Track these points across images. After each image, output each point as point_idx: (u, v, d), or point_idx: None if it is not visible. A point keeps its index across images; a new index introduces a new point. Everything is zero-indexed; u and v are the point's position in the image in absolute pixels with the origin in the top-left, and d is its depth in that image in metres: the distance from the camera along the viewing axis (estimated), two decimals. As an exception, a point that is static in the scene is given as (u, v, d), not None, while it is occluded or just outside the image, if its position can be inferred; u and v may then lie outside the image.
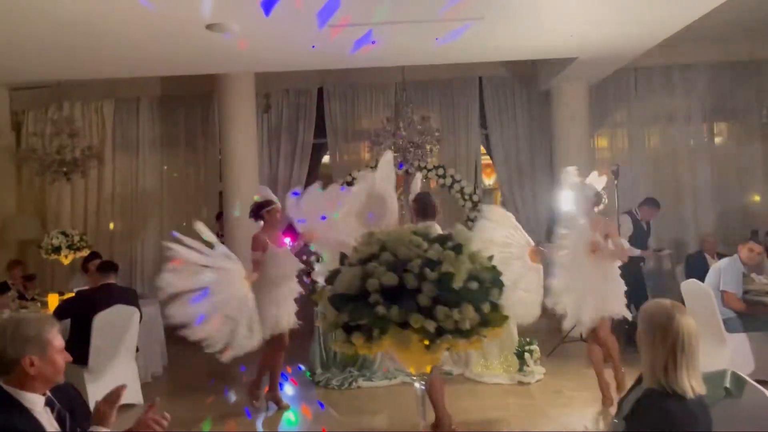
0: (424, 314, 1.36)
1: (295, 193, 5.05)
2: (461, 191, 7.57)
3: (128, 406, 5.30)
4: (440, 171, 7.67)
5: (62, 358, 2.23)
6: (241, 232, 7.50)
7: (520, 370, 5.91)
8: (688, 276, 6.54)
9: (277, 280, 5.02)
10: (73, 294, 5.77)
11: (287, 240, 5.36)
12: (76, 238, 7.60)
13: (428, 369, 1.57)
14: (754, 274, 5.72)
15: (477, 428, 4.66)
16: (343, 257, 1.59)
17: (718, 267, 5.54)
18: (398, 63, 6.99)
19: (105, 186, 8.86)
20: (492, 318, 1.49)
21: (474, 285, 1.43)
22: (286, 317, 5.06)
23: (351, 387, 5.79)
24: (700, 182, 8.12)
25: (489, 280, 1.46)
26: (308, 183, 8.82)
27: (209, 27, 5.14)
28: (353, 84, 8.61)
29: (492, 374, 5.91)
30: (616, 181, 6.28)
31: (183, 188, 9.00)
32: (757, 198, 8.29)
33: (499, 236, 4.97)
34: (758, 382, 5.22)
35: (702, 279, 5.76)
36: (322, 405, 5.30)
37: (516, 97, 8.42)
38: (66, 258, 7.64)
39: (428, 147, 6.73)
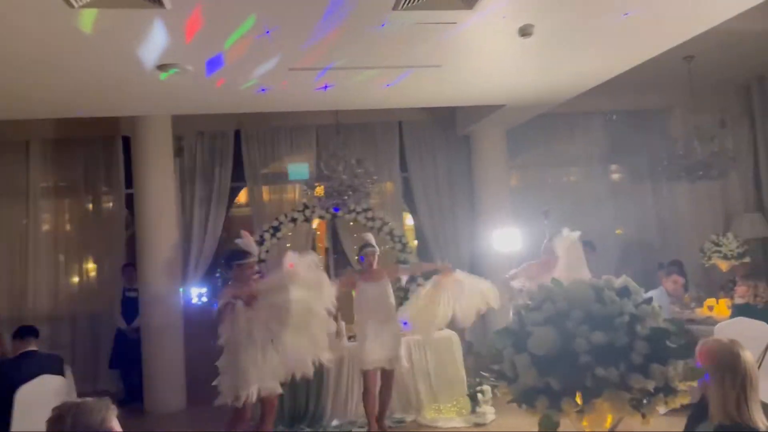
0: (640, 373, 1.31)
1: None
2: (391, 233, 7.56)
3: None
4: (369, 213, 7.63)
5: None
6: (158, 283, 7.01)
7: (473, 411, 5.93)
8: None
9: (245, 341, 4.48)
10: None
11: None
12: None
13: (608, 424, 1.51)
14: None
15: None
16: (518, 316, 1.50)
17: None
18: (332, 107, 6.94)
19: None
20: (691, 373, 1.47)
21: (678, 340, 1.41)
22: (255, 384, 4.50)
23: (304, 447, 5.48)
24: (602, 220, 8.75)
25: (675, 333, 1.44)
26: (225, 228, 8.51)
27: (160, 67, 4.79)
28: (273, 127, 8.41)
29: (446, 418, 5.87)
30: (546, 222, 6.59)
31: (82, 238, 8.21)
32: (618, 231, 9.03)
33: None
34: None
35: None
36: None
37: (435, 141, 8.66)
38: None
39: (366, 190, 6.68)
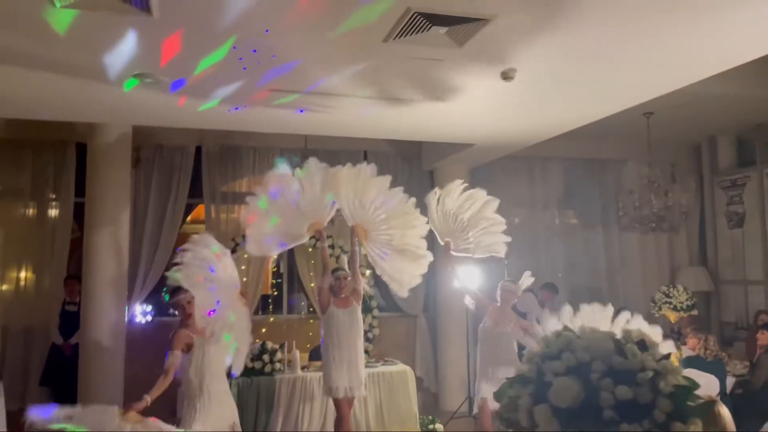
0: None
1: None
2: (338, 258, 7.49)
3: None
4: (329, 241, 7.54)
5: None
6: (102, 298, 6.69)
7: (424, 449, 5.85)
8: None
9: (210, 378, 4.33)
10: None
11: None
12: None
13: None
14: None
15: None
16: (534, 364, 1.46)
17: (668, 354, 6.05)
18: (301, 131, 6.88)
19: None
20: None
21: (697, 398, 1.40)
22: None
23: (252, 479, 5.26)
24: (554, 262, 8.92)
25: (694, 391, 1.43)
26: (178, 244, 8.22)
27: (137, 75, 4.62)
28: (235, 146, 8.26)
29: (397, 455, 5.77)
30: (506, 262, 6.67)
31: (22, 245, 7.77)
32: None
33: None
34: None
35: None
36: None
37: (398, 173, 8.67)
38: None
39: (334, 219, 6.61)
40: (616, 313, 5.41)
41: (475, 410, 5.56)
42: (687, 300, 7.02)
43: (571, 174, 9.20)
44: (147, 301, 7.94)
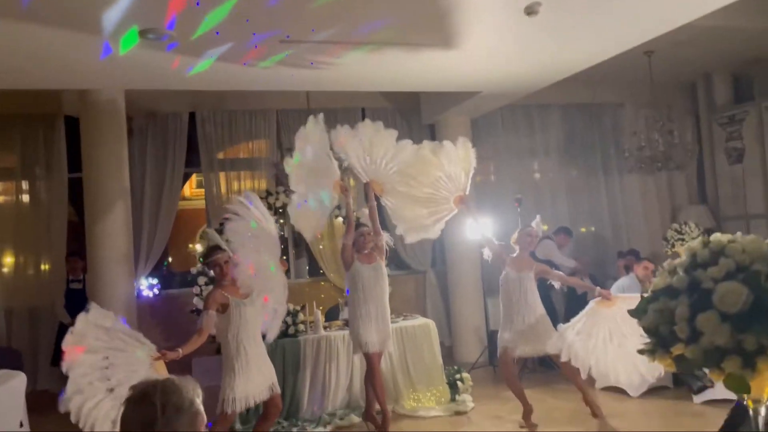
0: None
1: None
2: (357, 220, 7.39)
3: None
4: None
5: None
6: (109, 274, 6.51)
7: (453, 400, 5.86)
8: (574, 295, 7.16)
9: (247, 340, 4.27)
10: None
11: None
12: None
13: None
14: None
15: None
16: (687, 274, 1.39)
17: (621, 286, 6.09)
18: (305, 88, 6.68)
19: None
20: None
21: None
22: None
23: (285, 439, 5.23)
24: (560, 212, 8.92)
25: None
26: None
27: (142, 32, 4.39)
28: (230, 110, 8.03)
29: (426, 407, 5.77)
30: (519, 209, 6.63)
31: (20, 223, 7.53)
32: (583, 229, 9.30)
33: None
34: (659, 389, 5.79)
35: (584, 299, 6.38)
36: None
37: (398, 128, 8.47)
38: None
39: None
40: (628, 254, 5.42)
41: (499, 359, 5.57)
42: (699, 236, 7.07)
43: (569, 121, 9.16)
44: (152, 274, 7.79)
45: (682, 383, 5.69)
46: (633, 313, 1.51)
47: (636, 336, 4.53)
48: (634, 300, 4.71)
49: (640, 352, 1.55)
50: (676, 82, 9.06)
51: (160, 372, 3.79)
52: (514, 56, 5.77)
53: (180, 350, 3.97)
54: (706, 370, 1.39)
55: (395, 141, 5.41)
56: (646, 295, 1.53)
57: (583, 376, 4.93)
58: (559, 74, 6.51)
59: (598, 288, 5.23)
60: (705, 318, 1.31)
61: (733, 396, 4.79)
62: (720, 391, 5.26)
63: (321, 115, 5.22)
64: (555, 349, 5.08)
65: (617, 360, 4.61)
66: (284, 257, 6.29)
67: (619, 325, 4.68)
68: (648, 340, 1.51)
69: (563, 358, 4.94)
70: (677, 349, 1.38)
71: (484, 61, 5.85)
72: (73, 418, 3.61)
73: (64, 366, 3.65)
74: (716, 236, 1.45)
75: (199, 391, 1.67)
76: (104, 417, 3.60)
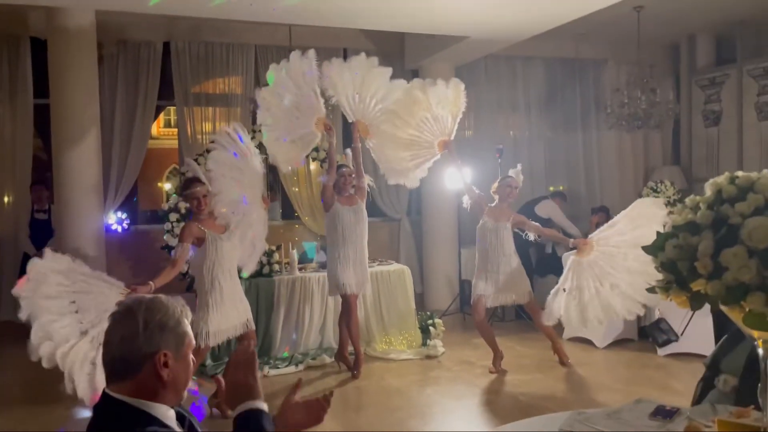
0: None
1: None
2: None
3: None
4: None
5: (192, 359, 1.59)
6: (77, 206, 6.30)
7: (424, 344, 5.92)
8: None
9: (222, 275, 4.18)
10: None
11: None
12: None
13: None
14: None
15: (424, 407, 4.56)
16: (712, 210, 1.35)
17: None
18: (286, 21, 6.43)
19: None
20: None
21: None
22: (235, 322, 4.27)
23: (257, 376, 5.21)
24: (536, 167, 8.93)
25: None
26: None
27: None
28: (207, 42, 7.71)
29: (397, 350, 5.82)
30: (500, 160, 6.60)
31: (-20, 151, 7.20)
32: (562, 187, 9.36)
33: None
34: (625, 341, 5.92)
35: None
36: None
37: (380, 72, 8.32)
38: None
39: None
40: (598, 210, 5.43)
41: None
42: (674, 194, 7.18)
43: (552, 74, 9.08)
44: (121, 209, 7.58)
45: (646, 336, 5.85)
46: (649, 249, 1.47)
47: (623, 272, 4.61)
48: (608, 237, 4.76)
49: (650, 290, 1.52)
50: (660, 41, 9.02)
51: None
52: (504, 1, 5.62)
53: (152, 283, 3.86)
54: (724, 307, 1.37)
55: (388, 80, 5.26)
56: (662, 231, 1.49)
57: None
58: (548, 23, 6.39)
59: (571, 240, 5.24)
60: (732, 253, 1.28)
61: (695, 350, 4.89)
62: (683, 345, 5.44)
63: (312, 51, 5.00)
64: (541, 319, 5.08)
65: (612, 300, 4.67)
66: (268, 192, 6.18)
67: (603, 267, 4.73)
68: (660, 277, 1.48)
69: (548, 322, 4.98)
70: (697, 285, 1.35)
71: (473, 4, 5.69)
72: (45, 364, 3.52)
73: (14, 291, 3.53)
74: (742, 173, 1.41)
75: (189, 314, 1.60)
76: (83, 359, 3.51)
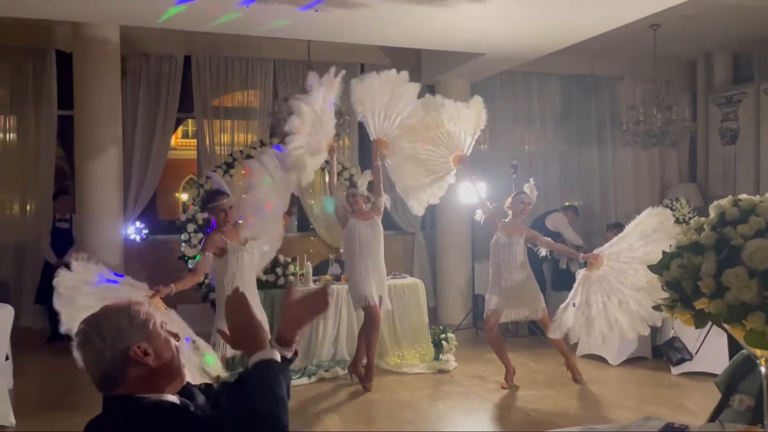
0: None
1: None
2: (350, 179, 7.35)
3: (-1, 430, 4.21)
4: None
5: (175, 341, 1.62)
6: (97, 216, 6.42)
7: (436, 358, 5.94)
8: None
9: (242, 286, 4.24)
10: None
11: None
12: None
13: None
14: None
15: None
16: (715, 231, 1.40)
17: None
18: (302, 36, 6.54)
19: None
20: None
21: None
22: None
23: (269, 387, 5.25)
24: (551, 182, 8.95)
25: None
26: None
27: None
28: (226, 56, 7.86)
29: (409, 364, 5.84)
30: (514, 176, 6.63)
31: (7, 158, 7.39)
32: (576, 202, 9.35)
33: None
34: (638, 359, 5.89)
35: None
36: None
37: (396, 87, 8.42)
38: None
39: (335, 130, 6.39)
40: (613, 227, 5.43)
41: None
42: (689, 213, 7.16)
43: (567, 91, 9.12)
44: (139, 219, 7.71)
45: (660, 355, 5.81)
46: (654, 268, 1.51)
47: (632, 289, 4.58)
48: (619, 252, 4.75)
49: (656, 308, 1.55)
50: (677, 59, 9.03)
51: (159, 306, 3.78)
52: (521, 19, 5.69)
53: (173, 286, 3.96)
54: (726, 326, 1.40)
55: (416, 96, 5.27)
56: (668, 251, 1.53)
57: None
58: (564, 41, 6.45)
59: (581, 254, 5.24)
60: (733, 273, 1.31)
61: (710, 369, 4.84)
62: (698, 364, 5.39)
63: (343, 71, 4.93)
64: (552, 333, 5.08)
65: (620, 317, 4.66)
66: (293, 210, 6.24)
67: (612, 282, 4.73)
68: (665, 295, 1.51)
69: (555, 335, 4.97)
70: (700, 304, 1.39)
71: (490, 22, 5.76)
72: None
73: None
74: (745, 196, 1.45)
75: (139, 308, 1.60)
76: None
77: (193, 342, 3.61)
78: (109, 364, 1.52)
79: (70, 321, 3.53)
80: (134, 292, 3.82)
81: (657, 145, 7.42)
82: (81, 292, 3.61)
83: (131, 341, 1.53)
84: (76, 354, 1.58)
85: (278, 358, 1.55)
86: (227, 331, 1.63)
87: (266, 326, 4.18)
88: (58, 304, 3.58)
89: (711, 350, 5.23)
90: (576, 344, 6.10)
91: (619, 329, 4.65)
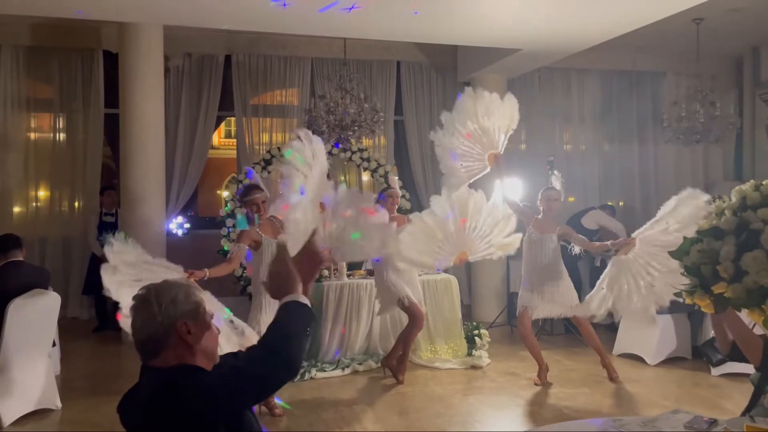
0: None
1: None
2: (386, 176, 7.40)
3: (45, 413, 4.40)
4: (364, 154, 7.42)
5: (215, 326, 1.76)
6: (141, 210, 6.63)
7: (469, 354, 5.94)
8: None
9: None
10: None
11: None
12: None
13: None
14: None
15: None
16: (734, 215, 1.39)
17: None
18: (339, 34, 6.63)
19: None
20: None
21: None
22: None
23: (304, 379, 5.35)
24: (590, 180, 8.83)
25: None
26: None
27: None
28: (265, 55, 8.00)
29: (442, 359, 5.86)
30: (550, 172, 6.56)
31: (56, 155, 7.69)
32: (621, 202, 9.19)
33: None
34: (677, 359, 5.81)
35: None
36: (278, 399, 4.81)
37: (432, 84, 8.46)
38: None
39: (371, 127, 6.45)
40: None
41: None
42: (733, 210, 6.96)
43: (608, 87, 8.98)
44: (181, 214, 7.93)
45: (700, 355, 5.69)
46: (675, 254, 1.51)
47: (660, 272, 4.51)
48: (653, 237, 4.67)
49: (677, 294, 1.55)
50: (721, 54, 8.79)
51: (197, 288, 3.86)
52: (557, 14, 5.65)
53: (207, 270, 4.04)
54: (746, 310, 1.40)
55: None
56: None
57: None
58: (603, 36, 6.37)
59: (610, 242, 5.16)
60: (752, 257, 1.31)
61: (751, 371, 4.74)
62: (738, 364, 5.25)
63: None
64: (576, 312, 5.10)
65: (647, 297, 4.62)
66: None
67: (643, 266, 4.68)
68: (687, 281, 1.51)
69: (581, 314, 4.98)
70: (718, 288, 1.38)
71: (526, 17, 5.73)
72: None
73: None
74: (767, 181, 1.44)
75: (196, 289, 1.74)
76: None
77: (231, 322, 3.70)
78: (157, 329, 1.65)
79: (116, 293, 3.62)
80: (170, 273, 3.92)
81: (700, 142, 7.24)
82: (118, 271, 3.71)
83: (181, 315, 1.66)
84: (129, 315, 1.71)
85: (305, 301, 1.70)
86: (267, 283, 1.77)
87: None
88: (106, 281, 3.66)
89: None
90: (612, 343, 6.06)
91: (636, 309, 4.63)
